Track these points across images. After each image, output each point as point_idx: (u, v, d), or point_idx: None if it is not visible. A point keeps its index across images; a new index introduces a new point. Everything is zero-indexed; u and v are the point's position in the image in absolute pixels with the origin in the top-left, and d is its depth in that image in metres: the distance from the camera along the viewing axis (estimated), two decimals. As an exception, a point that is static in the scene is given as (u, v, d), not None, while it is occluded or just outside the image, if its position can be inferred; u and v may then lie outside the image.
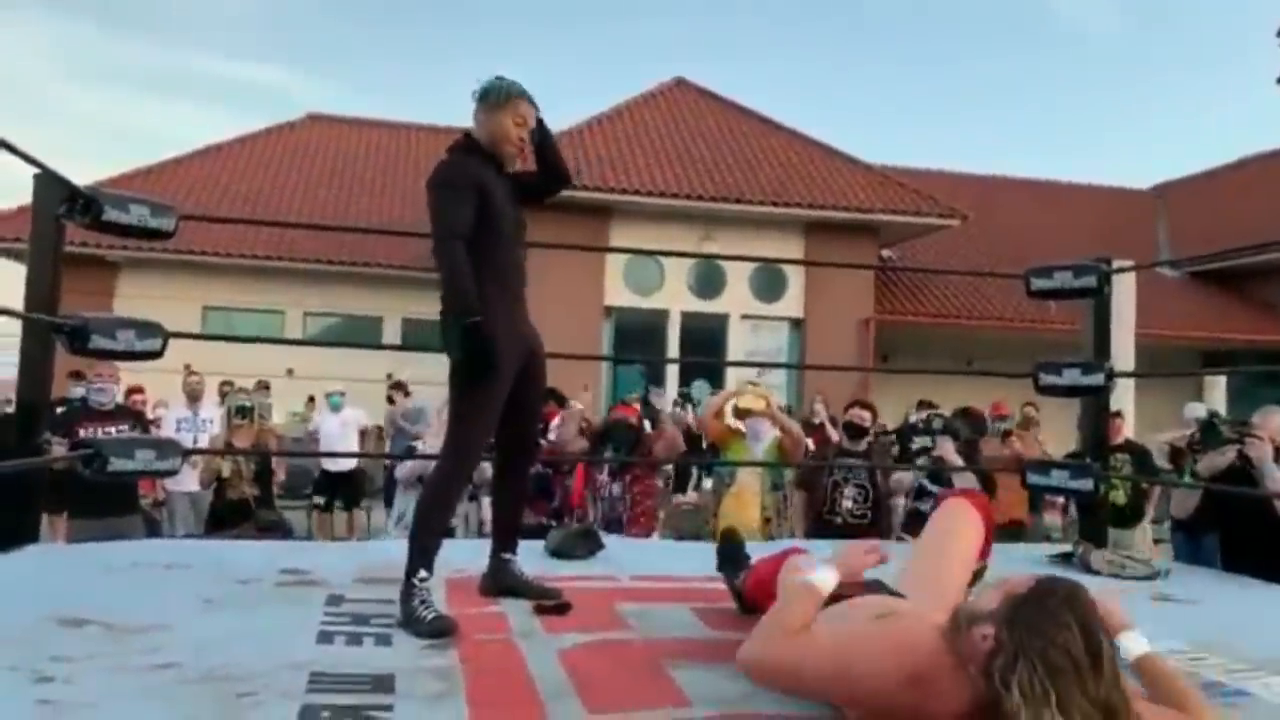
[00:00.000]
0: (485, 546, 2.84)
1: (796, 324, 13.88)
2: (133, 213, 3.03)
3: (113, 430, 4.77)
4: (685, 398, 12.17)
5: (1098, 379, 3.71)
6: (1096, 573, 3.47)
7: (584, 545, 3.42)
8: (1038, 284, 3.84)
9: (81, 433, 4.68)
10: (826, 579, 1.88)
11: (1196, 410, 6.95)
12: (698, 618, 2.55)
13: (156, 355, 3.10)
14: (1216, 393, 13.56)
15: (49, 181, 3.06)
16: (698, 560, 3.42)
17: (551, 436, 5.38)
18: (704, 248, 13.03)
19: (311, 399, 11.51)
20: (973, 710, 1.56)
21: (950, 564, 2.23)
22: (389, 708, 1.73)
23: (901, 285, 14.87)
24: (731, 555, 2.75)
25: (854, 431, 4.96)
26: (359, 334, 14.75)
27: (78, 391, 6.30)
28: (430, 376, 7.55)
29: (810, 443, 5.24)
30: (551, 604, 2.56)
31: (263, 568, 2.92)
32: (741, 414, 5.14)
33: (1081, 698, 1.45)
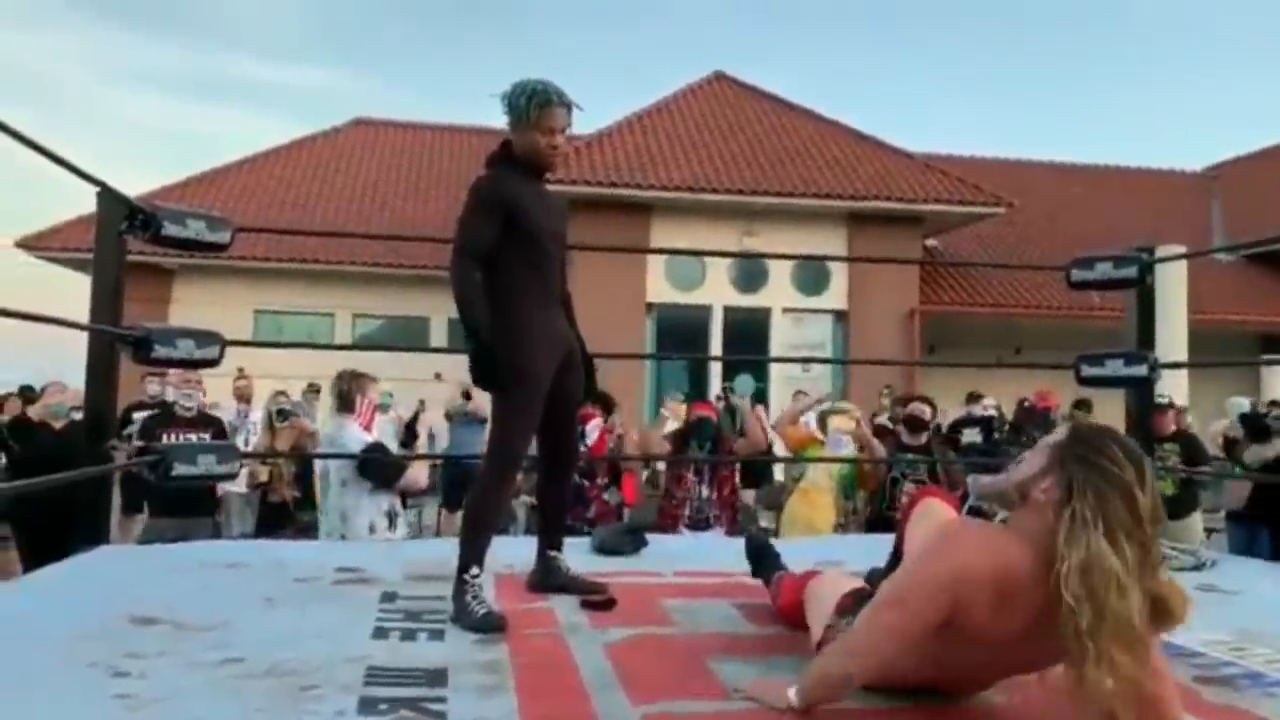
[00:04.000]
0: (533, 544, 2.93)
1: (840, 316, 13.82)
2: (190, 227, 3.15)
3: (193, 437, 4.93)
4: (729, 392, 12.22)
5: (1141, 370, 3.69)
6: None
7: (630, 542, 3.49)
8: (1079, 275, 3.83)
9: (165, 438, 4.85)
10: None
11: (1239, 405, 6.83)
12: (740, 613, 2.60)
13: (215, 363, 3.23)
14: (1276, 378, 13.25)
15: (110, 199, 3.20)
16: (741, 556, 3.49)
17: (589, 442, 5.44)
18: (745, 242, 13.03)
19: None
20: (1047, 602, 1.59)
21: None
22: (443, 700, 1.81)
23: (947, 275, 14.73)
24: (759, 557, 2.80)
25: (914, 426, 4.96)
26: (406, 334, 15.00)
27: (153, 389, 6.49)
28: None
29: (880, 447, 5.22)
30: (598, 599, 2.63)
31: (319, 567, 3.03)
32: (823, 421, 5.18)
33: (1130, 518, 1.57)
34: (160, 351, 3.07)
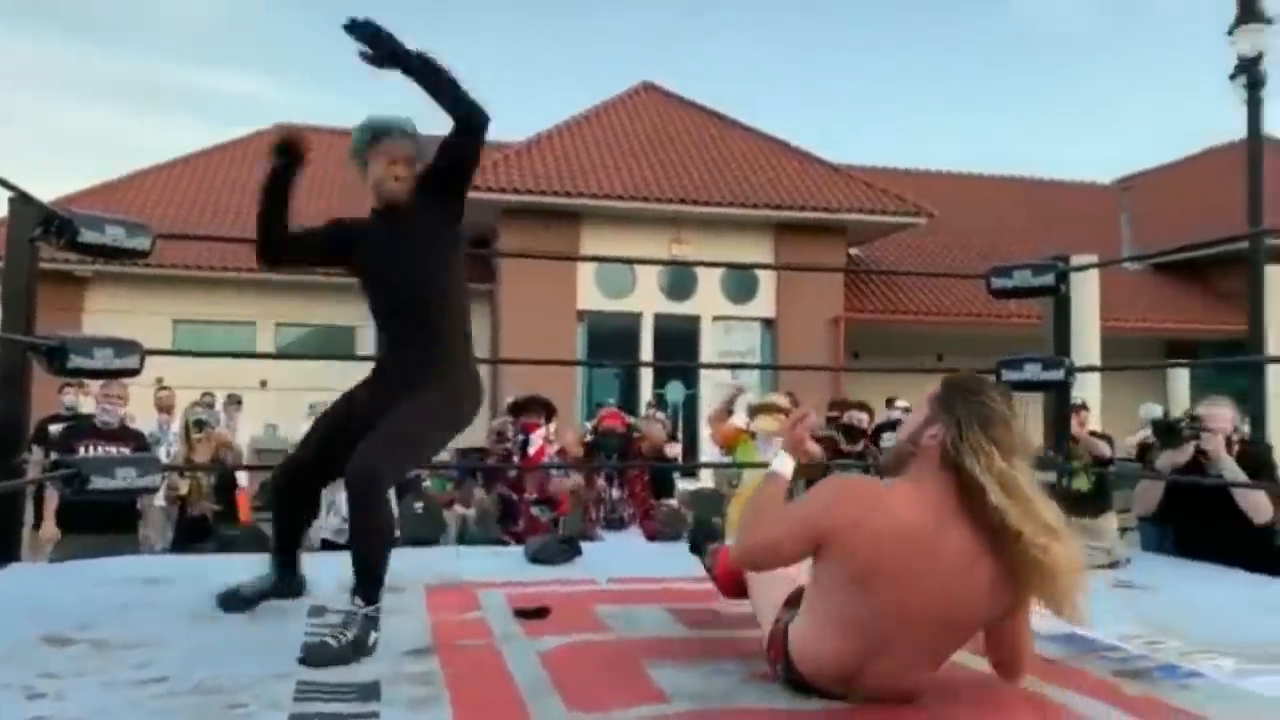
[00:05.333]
0: (464, 554, 2.91)
1: (769, 324, 14.00)
2: (108, 233, 3.06)
3: (113, 450, 4.74)
4: (660, 399, 12.29)
5: (1058, 374, 3.82)
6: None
7: (563, 551, 3.49)
8: (998, 283, 3.95)
9: (83, 450, 4.66)
10: (784, 463, 2.10)
11: (1152, 411, 7.10)
12: (674, 617, 2.62)
13: (135, 373, 3.14)
14: (1180, 382, 13.80)
15: (23, 204, 3.09)
16: (675, 561, 3.50)
17: (531, 451, 5.43)
18: (675, 250, 13.12)
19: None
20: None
21: None
22: (375, 714, 1.79)
23: (871, 284, 15.03)
24: (704, 538, 2.80)
25: (851, 433, 5.05)
26: (332, 345, 14.68)
27: (69, 400, 6.25)
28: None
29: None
30: (531, 608, 2.62)
31: (243, 580, 2.95)
32: (755, 413, 5.23)
33: (1016, 441, 1.85)
34: (76, 361, 2.97)
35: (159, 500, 6.05)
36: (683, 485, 8.91)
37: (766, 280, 13.92)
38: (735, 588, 2.33)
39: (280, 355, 13.14)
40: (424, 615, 2.60)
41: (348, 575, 2.95)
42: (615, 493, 5.12)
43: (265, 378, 12.87)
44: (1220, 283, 16.10)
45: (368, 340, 14.87)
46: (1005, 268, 3.97)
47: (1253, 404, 7.59)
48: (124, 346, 3.11)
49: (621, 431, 5.45)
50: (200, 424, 5.93)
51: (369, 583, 2.30)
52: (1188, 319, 15.60)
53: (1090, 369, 6.15)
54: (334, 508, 5.42)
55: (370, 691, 1.92)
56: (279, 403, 11.95)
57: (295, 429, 9.30)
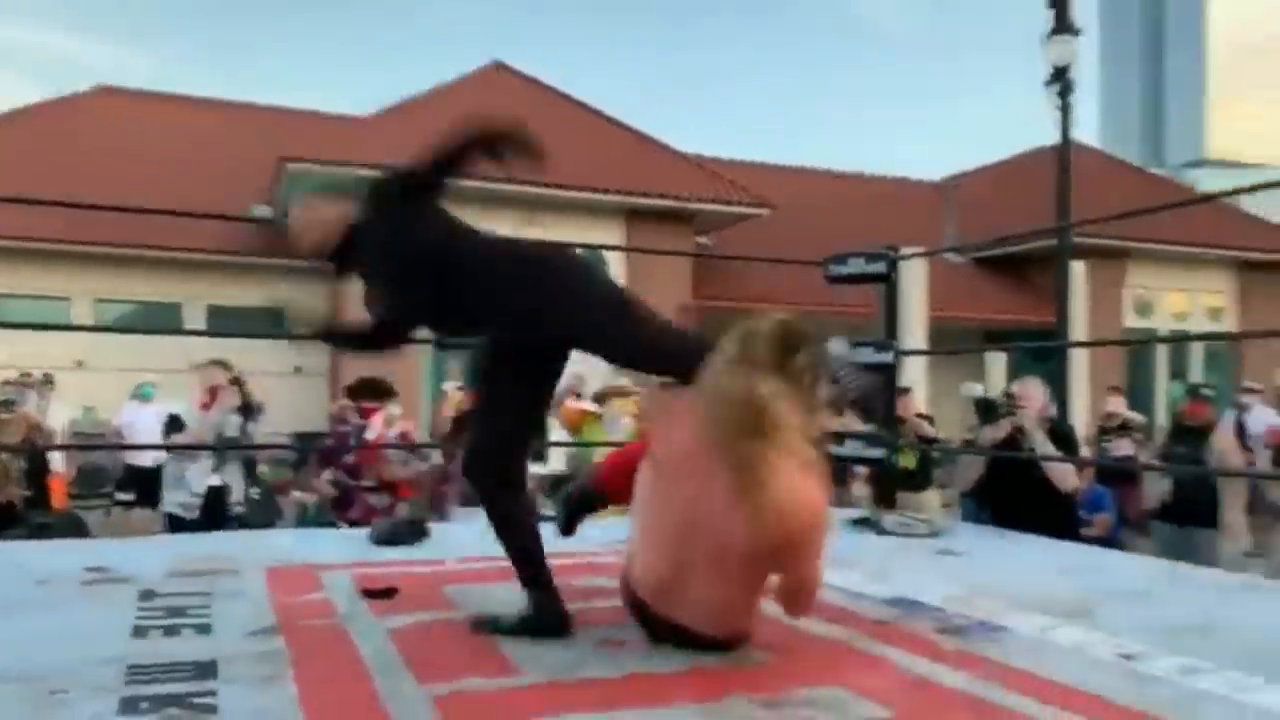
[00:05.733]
0: (306, 536, 2.83)
1: (618, 308, 14.12)
2: None
3: None
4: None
5: (888, 356, 4.05)
6: (888, 533, 3.82)
7: (410, 533, 3.44)
8: (835, 270, 4.15)
9: None
10: None
11: (972, 390, 7.59)
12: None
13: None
14: (997, 368, 14.80)
15: None
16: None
17: (370, 436, 5.29)
18: (527, 232, 13.04)
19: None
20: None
21: None
22: (213, 692, 1.73)
23: (719, 271, 15.39)
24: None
25: None
26: (158, 323, 13.85)
27: None
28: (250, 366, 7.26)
29: None
30: (378, 588, 2.58)
31: (63, 567, 2.79)
32: (601, 399, 5.27)
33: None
34: None
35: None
36: (533, 469, 8.88)
37: (617, 266, 14.01)
38: (625, 484, 2.30)
39: (106, 329, 12.27)
40: (264, 597, 2.52)
41: (180, 561, 2.84)
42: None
43: (82, 358, 12.03)
44: (1033, 276, 17.33)
45: (197, 318, 14.09)
46: (842, 256, 4.17)
47: (1058, 386, 8.25)
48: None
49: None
50: (6, 404, 5.50)
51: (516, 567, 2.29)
52: (1004, 309, 16.76)
53: (916, 353, 6.53)
54: (182, 483, 5.24)
55: (207, 670, 1.86)
56: (97, 384, 11.18)
57: (117, 412, 8.74)
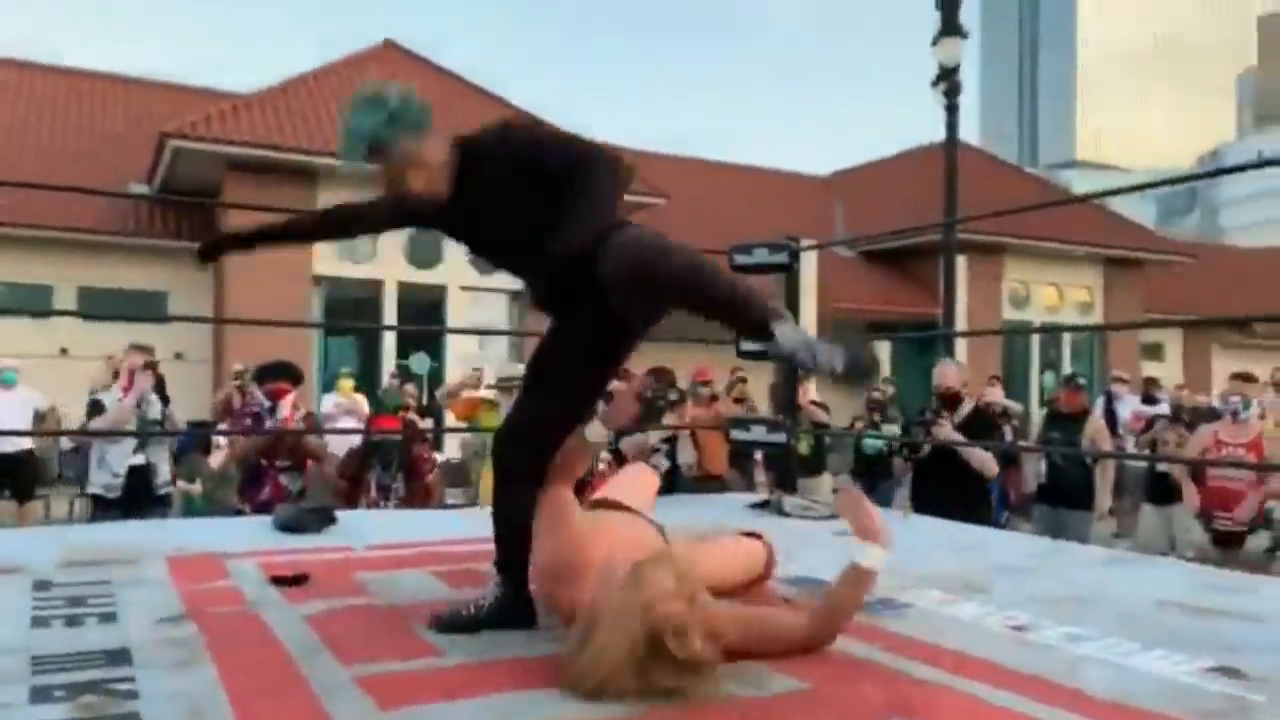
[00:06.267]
0: (203, 525, 2.76)
1: (516, 296, 14.02)
2: None
3: None
4: (405, 370, 11.98)
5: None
6: (788, 515, 3.94)
7: (315, 519, 3.38)
8: (739, 259, 4.25)
9: None
10: (876, 560, 1.99)
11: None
12: (439, 579, 2.63)
13: None
14: (883, 358, 15.36)
15: None
16: (431, 525, 3.51)
17: (280, 416, 5.15)
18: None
19: None
20: None
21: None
22: (130, 679, 1.69)
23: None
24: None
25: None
26: (26, 305, 13.10)
27: None
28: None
29: None
30: (289, 576, 2.54)
31: (-56, 559, 2.65)
32: (505, 388, 5.29)
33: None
34: None
35: None
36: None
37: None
38: None
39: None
40: (169, 585, 2.45)
41: (72, 551, 2.73)
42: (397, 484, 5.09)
43: (66, 345, 11.41)
44: (914, 269, 18.00)
45: (67, 300, 13.37)
46: (746, 246, 4.28)
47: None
48: None
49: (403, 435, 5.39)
50: None
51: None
52: (890, 301, 17.36)
53: (813, 343, 6.75)
54: (104, 464, 5.12)
55: (119, 657, 1.81)
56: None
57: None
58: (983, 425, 4.58)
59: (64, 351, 11.78)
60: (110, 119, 15.91)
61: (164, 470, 5.63)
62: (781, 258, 4.20)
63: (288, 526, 3.29)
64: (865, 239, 17.44)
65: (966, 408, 4.57)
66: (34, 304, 12.85)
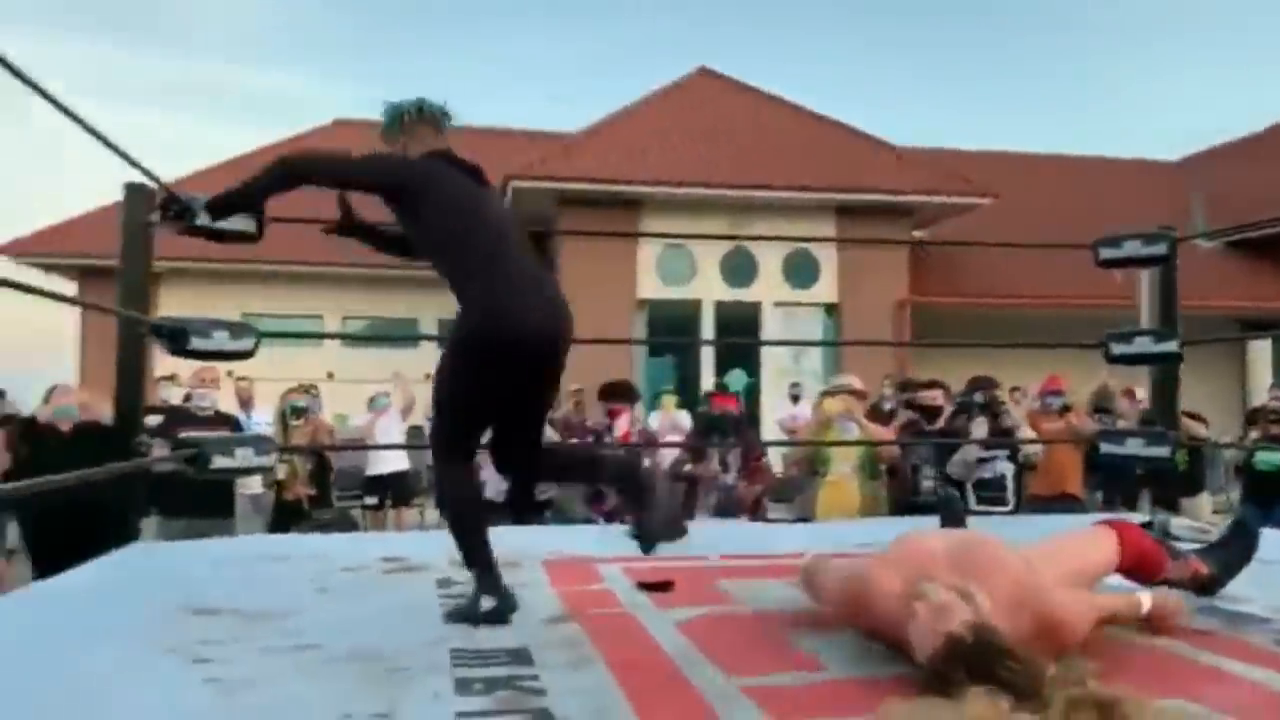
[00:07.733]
0: (579, 531, 2.91)
1: (830, 309, 13.85)
2: (215, 338, 3.08)
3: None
4: (722, 388, 12.17)
5: (1171, 345, 3.71)
6: (1176, 539, 3.48)
7: (669, 532, 3.45)
8: (1106, 253, 3.84)
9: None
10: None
11: None
12: (799, 591, 2.58)
13: (249, 354, 3.18)
14: (1261, 360, 13.42)
15: (136, 190, 3.15)
16: (782, 540, 3.48)
17: (618, 434, 5.43)
18: (735, 232, 13.03)
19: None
20: None
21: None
22: (535, 677, 1.79)
23: (936, 268, 14.78)
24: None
25: (929, 413, 4.98)
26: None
27: (164, 394, 6.40)
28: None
29: (888, 431, 5.24)
30: (654, 581, 2.61)
31: (362, 557, 3.00)
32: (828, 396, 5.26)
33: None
34: (196, 343, 3.02)
35: (255, 487, 6.17)
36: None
37: (828, 265, 13.77)
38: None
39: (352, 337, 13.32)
40: (547, 587, 2.60)
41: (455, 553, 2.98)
42: (729, 479, 5.14)
43: (332, 369, 13.13)
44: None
45: (429, 330, 14.98)
46: (1114, 238, 3.86)
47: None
48: (239, 329, 3.16)
49: (735, 415, 5.45)
50: (298, 410, 6.05)
51: (460, 551, 2.37)
52: (1263, 295, 15.15)
53: (1195, 341, 5.97)
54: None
55: (522, 656, 1.93)
56: (345, 395, 12.14)
57: (362, 419, 9.44)
58: None
59: (330, 375, 13.19)
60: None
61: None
62: (1159, 249, 3.74)
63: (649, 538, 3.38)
64: (1233, 229, 15.39)
65: None
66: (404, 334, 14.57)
